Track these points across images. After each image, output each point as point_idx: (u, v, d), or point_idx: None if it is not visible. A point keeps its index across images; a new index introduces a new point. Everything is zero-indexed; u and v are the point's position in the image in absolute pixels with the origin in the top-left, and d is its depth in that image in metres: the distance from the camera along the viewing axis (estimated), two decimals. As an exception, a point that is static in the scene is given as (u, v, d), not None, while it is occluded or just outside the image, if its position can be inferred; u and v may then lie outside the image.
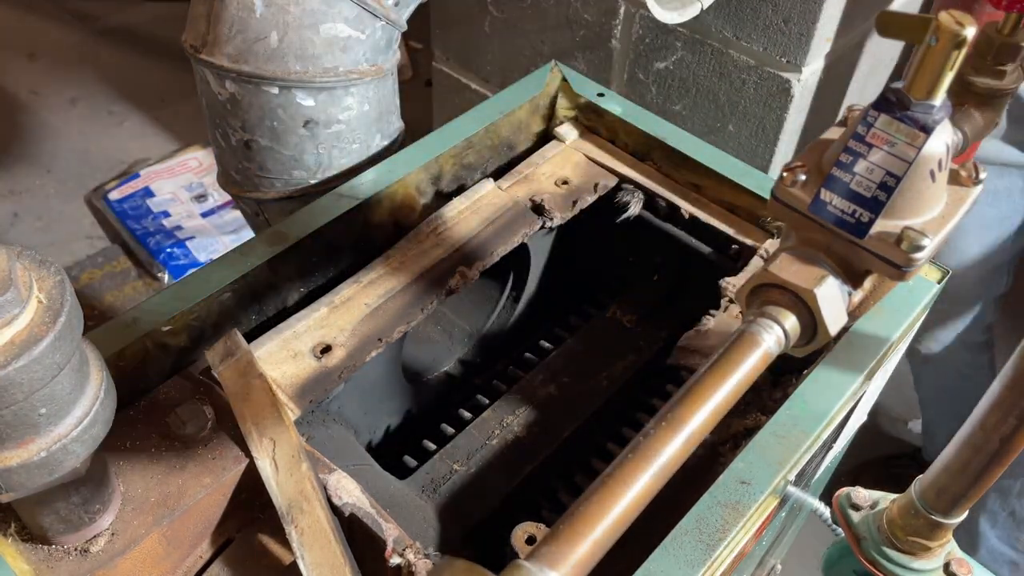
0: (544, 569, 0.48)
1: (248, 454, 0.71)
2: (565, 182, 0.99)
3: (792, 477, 0.71)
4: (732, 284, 0.88)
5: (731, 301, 0.88)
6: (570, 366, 0.96)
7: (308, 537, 0.65)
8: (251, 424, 0.71)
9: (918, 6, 1.50)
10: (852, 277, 0.61)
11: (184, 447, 0.72)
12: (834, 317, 0.59)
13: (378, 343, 0.81)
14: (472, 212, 0.94)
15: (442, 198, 0.97)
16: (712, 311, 0.87)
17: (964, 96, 0.67)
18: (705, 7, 1.14)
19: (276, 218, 1.02)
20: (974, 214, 0.66)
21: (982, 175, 0.61)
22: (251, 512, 0.74)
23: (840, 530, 0.71)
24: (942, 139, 0.56)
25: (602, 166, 1.01)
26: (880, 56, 1.50)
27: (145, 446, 0.72)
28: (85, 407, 0.57)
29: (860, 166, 0.57)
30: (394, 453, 0.98)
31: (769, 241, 0.92)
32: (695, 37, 1.32)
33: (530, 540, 0.68)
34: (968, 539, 1.63)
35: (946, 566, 0.67)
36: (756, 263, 0.90)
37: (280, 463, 0.69)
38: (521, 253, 0.98)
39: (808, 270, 0.59)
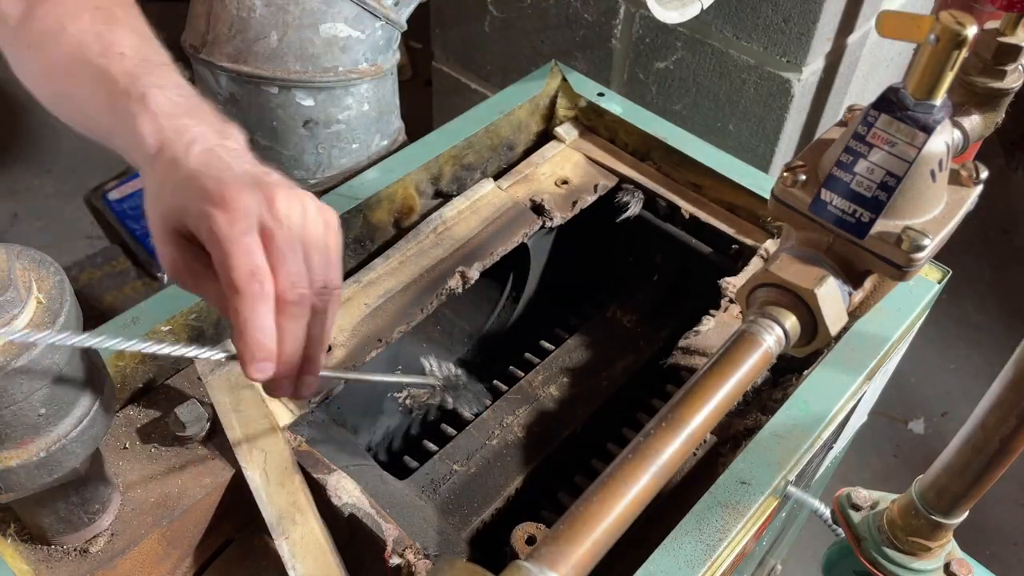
0: (544, 569, 0.47)
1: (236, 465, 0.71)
2: (565, 182, 0.99)
3: (792, 477, 0.71)
4: (732, 284, 0.88)
5: (731, 301, 0.88)
6: (570, 366, 0.96)
7: (301, 549, 0.65)
8: (240, 435, 0.71)
9: (919, 5, 1.50)
10: (852, 277, 0.61)
11: (184, 447, 0.72)
12: (834, 317, 0.59)
13: (378, 343, 0.81)
14: (472, 212, 0.94)
15: (442, 198, 0.97)
16: (712, 311, 0.87)
17: (964, 96, 0.67)
18: (705, 7, 1.14)
19: (276, 218, 1.02)
20: None
21: (983, 174, 0.61)
22: (251, 512, 0.74)
23: (840, 530, 0.71)
24: (942, 139, 0.56)
25: (602, 166, 1.01)
26: (880, 56, 1.50)
27: (145, 446, 0.72)
28: (85, 407, 0.57)
29: (860, 166, 0.57)
30: (394, 453, 0.97)
31: (769, 241, 0.92)
32: (695, 37, 1.32)
33: (530, 540, 0.68)
34: None
35: (946, 566, 0.67)
36: (756, 263, 0.90)
37: (271, 475, 0.69)
38: (521, 253, 0.98)
39: (808, 270, 0.59)
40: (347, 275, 0.88)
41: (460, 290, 0.88)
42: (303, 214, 0.56)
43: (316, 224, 0.57)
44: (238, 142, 0.61)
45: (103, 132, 0.64)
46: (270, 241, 0.55)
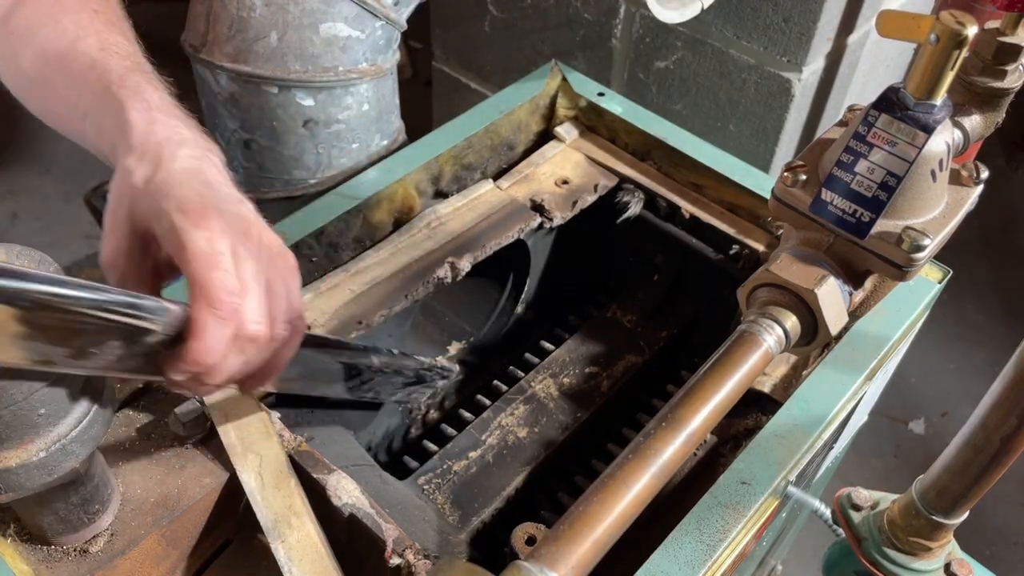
0: (544, 569, 0.47)
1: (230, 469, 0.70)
2: (565, 182, 0.99)
3: (793, 478, 0.71)
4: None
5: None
6: (570, 366, 0.96)
7: (298, 552, 0.65)
8: (235, 438, 0.71)
9: (919, 5, 1.50)
10: (853, 277, 0.61)
11: (184, 447, 0.72)
12: (835, 317, 0.59)
13: (358, 325, 0.81)
14: (468, 208, 0.94)
15: (442, 198, 0.97)
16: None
17: (965, 96, 0.67)
18: (705, 6, 1.14)
19: (276, 218, 1.02)
20: None
21: (983, 174, 0.61)
22: (250, 512, 0.74)
23: (840, 530, 0.71)
24: (943, 139, 0.56)
25: (602, 166, 1.01)
26: (880, 56, 1.49)
27: (145, 446, 0.72)
28: (84, 407, 0.57)
29: (861, 166, 0.57)
30: (394, 453, 0.97)
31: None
32: (695, 36, 1.32)
33: (530, 540, 0.68)
34: None
35: (947, 567, 0.67)
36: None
37: (266, 478, 0.69)
38: (521, 253, 0.98)
39: (809, 270, 0.59)
40: (347, 275, 0.88)
41: (449, 280, 0.87)
42: (271, 252, 0.58)
43: (286, 262, 0.60)
44: (220, 158, 0.62)
45: (76, 118, 0.64)
46: (239, 269, 0.55)
